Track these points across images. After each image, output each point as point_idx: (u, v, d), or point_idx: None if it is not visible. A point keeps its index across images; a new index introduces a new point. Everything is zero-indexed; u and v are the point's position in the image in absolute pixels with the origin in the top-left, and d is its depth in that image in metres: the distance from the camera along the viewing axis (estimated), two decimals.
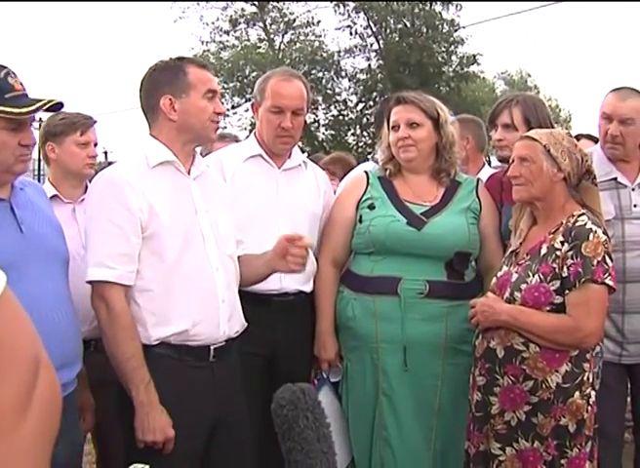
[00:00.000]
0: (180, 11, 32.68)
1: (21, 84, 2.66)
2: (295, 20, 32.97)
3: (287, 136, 3.77)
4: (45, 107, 2.66)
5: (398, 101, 3.78)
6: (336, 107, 32.61)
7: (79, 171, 3.84)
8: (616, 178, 3.89)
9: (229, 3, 32.37)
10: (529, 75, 55.00)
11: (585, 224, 3.13)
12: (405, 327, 3.58)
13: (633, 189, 3.89)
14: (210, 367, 3.01)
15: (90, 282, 2.93)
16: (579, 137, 4.42)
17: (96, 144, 3.92)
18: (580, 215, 3.19)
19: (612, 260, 3.13)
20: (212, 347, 3.01)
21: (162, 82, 3.04)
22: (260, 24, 32.88)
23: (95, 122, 3.93)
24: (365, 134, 31.88)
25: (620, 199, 3.86)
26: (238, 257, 3.27)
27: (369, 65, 32.18)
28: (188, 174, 3.10)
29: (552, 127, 3.72)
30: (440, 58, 31.37)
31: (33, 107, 2.61)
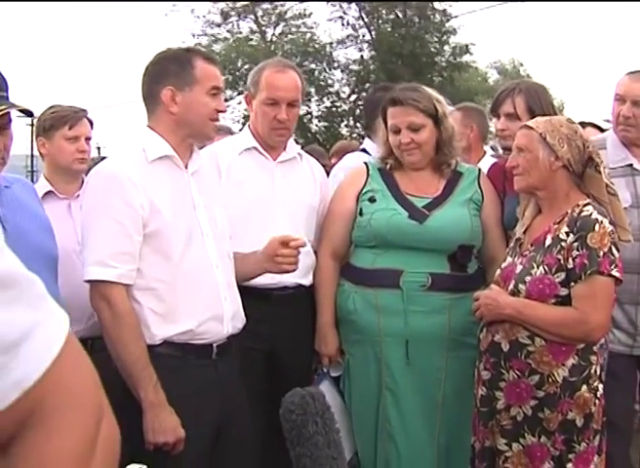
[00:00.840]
0: (170, 4, 32.55)
1: None
2: (286, 12, 32.90)
3: (282, 128, 3.71)
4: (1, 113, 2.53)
5: (394, 102, 3.68)
6: (329, 99, 32.54)
7: (69, 166, 3.76)
8: (631, 165, 3.83)
9: None
10: (521, 64, 54.98)
11: (591, 214, 3.06)
12: (407, 320, 3.53)
13: None
14: (213, 364, 2.96)
15: (89, 281, 2.86)
16: (584, 125, 4.33)
17: (88, 138, 3.83)
18: (585, 205, 3.11)
19: (618, 251, 3.05)
20: (214, 345, 2.96)
21: (167, 72, 2.96)
22: (252, 17, 32.76)
23: (85, 115, 3.84)
24: (358, 125, 31.77)
25: (637, 186, 3.79)
26: None
27: (361, 56, 32.13)
28: (186, 168, 3.02)
29: (556, 114, 3.64)
30: (433, 49, 31.35)
31: None
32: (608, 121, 4.65)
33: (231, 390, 3.02)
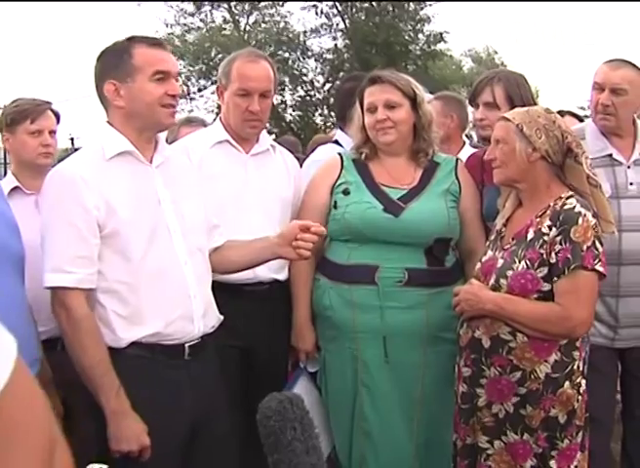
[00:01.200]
0: None
1: None
2: (260, 1, 32.71)
3: (255, 119, 3.62)
4: None
5: (373, 81, 3.62)
6: (303, 88, 32.53)
7: (33, 161, 3.65)
8: (611, 155, 3.76)
9: None
10: (496, 52, 54.96)
11: (574, 208, 2.97)
12: (384, 316, 3.47)
13: (629, 167, 3.75)
14: (186, 365, 2.86)
15: (49, 287, 2.75)
16: (562, 114, 4.27)
17: (52, 132, 3.71)
18: (567, 198, 3.03)
19: (602, 245, 2.98)
20: (186, 345, 2.85)
21: (107, 66, 2.84)
22: (225, 6, 32.63)
23: (47, 108, 3.71)
24: (332, 114, 31.75)
25: (616, 177, 3.72)
26: (225, 243, 3.16)
27: (335, 45, 32.12)
28: (150, 162, 2.91)
29: (536, 104, 3.57)
30: (407, 37, 31.38)
31: None
32: (582, 108, 4.61)
33: (207, 390, 2.92)
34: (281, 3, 32.53)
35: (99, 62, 2.88)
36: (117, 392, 2.67)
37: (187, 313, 2.85)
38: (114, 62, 2.82)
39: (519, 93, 3.63)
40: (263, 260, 3.18)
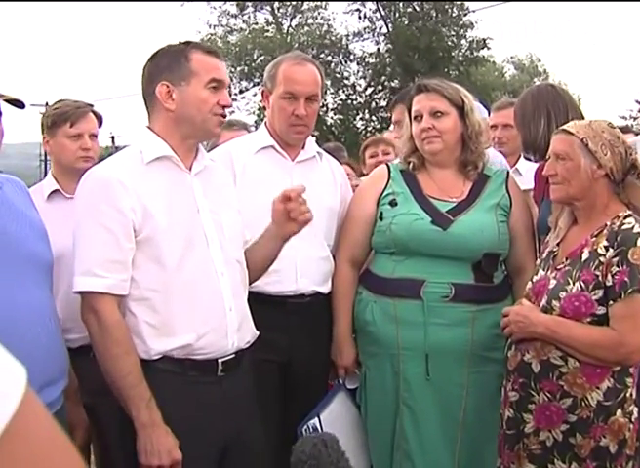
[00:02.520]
0: None
1: None
2: (303, 4, 32.81)
3: (301, 124, 3.53)
4: None
5: (420, 89, 3.53)
6: (344, 92, 32.52)
7: (71, 164, 3.58)
8: None
9: None
10: (539, 60, 54.73)
11: (633, 228, 2.84)
12: (428, 333, 3.35)
13: None
14: (218, 382, 2.75)
15: (78, 292, 2.66)
16: None
17: (93, 135, 3.64)
18: (626, 217, 2.89)
19: None
20: (220, 360, 2.74)
21: (161, 67, 2.75)
22: (268, 8, 32.74)
23: (88, 111, 3.65)
24: (374, 118, 31.75)
25: None
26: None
27: (378, 49, 32.07)
28: (190, 169, 2.82)
29: (583, 117, 3.43)
30: (449, 43, 31.28)
31: None
32: (624, 118, 4.44)
33: (241, 409, 2.83)
34: (324, 5, 32.53)
35: (151, 63, 2.80)
36: (148, 403, 2.57)
37: (221, 326, 2.75)
38: (169, 64, 2.75)
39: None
40: (277, 250, 3.04)
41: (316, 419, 3.41)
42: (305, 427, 3.41)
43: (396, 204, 3.49)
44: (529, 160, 3.78)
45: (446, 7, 30.71)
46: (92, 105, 3.72)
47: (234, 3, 32.19)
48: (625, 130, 5.00)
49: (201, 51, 2.79)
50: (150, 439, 2.57)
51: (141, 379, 2.59)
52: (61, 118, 3.56)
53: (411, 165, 3.57)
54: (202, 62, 2.76)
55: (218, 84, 2.78)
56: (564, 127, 3.07)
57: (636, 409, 2.96)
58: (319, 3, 32.69)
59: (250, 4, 32.41)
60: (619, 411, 2.88)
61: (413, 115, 3.53)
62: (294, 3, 32.67)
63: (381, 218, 3.50)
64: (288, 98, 3.51)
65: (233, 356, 2.79)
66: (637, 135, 4.51)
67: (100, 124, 3.75)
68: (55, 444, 0.84)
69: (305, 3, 32.72)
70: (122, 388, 2.59)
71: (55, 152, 3.64)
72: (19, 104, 2.52)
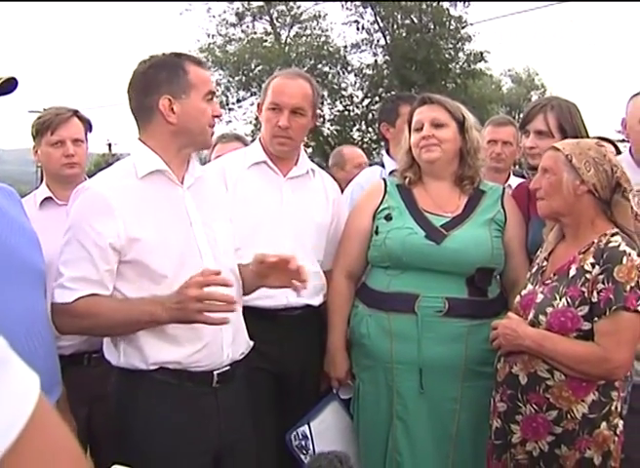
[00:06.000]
0: (186, 3, 32.49)
1: None
2: (301, 14, 32.82)
3: (283, 136, 3.58)
4: None
5: (423, 102, 3.61)
6: (341, 102, 32.47)
7: (57, 172, 3.64)
8: None
9: None
10: (536, 73, 54.75)
11: (619, 246, 2.90)
12: (422, 347, 3.39)
13: None
14: (213, 393, 2.81)
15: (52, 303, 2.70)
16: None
17: (78, 140, 3.65)
18: (612, 235, 2.96)
19: None
20: (215, 372, 2.80)
21: (160, 80, 2.75)
22: (267, 18, 32.70)
23: (70, 116, 3.65)
24: (370, 129, 31.71)
25: None
26: None
27: (375, 61, 32.03)
28: (182, 182, 2.85)
29: (586, 134, 3.50)
30: (447, 55, 31.23)
31: None
32: (620, 132, 4.51)
33: (235, 419, 2.88)
34: (323, 16, 32.56)
35: (147, 75, 2.78)
36: (155, 308, 2.61)
37: (216, 339, 2.78)
38: (169, 77, 2.75)
39: (571, 122, 3.55)
40: (256, 288, 3.09)
41: (306, 426, 3.46)
42: (295, 434, 3.46)
43: (391, 218, 3.55)
44: (519, 176, 3.84)
45: (444, 20, 30.73)
46: (75, 110, 3.72)
47: (233, 12, 32.20)
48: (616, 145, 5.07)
49: (194, 63, 2.83)
50: (178, 317, 2.60)
51: (132, 304, 2.67)
52: (43, 126, 3.61)
53: (407, 179, 3.63)
54: (198, 75, 2.80)
55: (212, 96, 2.84)
56: (554, 144, 3.16)
57: (621, 423, 3.00)
58: (318, 11, 32.71)
59: (248, 14, 32.43)
60: (603, 424, 2.93)
61: (413, 126, 3.59)
62: (292, 13, 32.69)
63: (377, 233, 3.56)
64: (273, 109, 3.58)
65: (228, 368, 2.83)
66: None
67: (90, 128, 3.77)
68: (65, 447, 0.90)
69: (304, 13, 32.76)
70: (128, 323, 2.66)
71: (42, 161, 3.69)
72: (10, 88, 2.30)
